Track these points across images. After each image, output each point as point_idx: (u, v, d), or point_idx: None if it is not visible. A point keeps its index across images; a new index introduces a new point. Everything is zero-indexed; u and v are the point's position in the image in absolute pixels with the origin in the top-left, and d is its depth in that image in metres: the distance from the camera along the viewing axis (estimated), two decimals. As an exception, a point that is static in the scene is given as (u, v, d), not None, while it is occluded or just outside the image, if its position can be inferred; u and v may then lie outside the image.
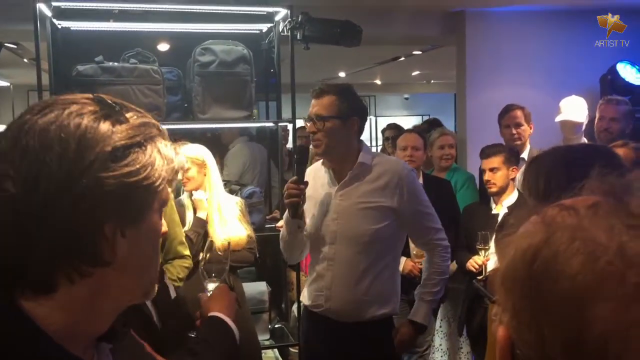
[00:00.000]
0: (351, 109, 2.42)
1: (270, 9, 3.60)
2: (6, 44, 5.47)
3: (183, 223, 2.98)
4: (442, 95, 13.36)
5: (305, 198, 2.39)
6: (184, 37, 3.69)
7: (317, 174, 2.54)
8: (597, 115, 4.04)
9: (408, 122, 10.20)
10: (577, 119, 4.08)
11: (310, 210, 2.47)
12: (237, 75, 3.38)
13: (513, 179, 3.39)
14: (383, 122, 9.13)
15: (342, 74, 10.56)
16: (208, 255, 1.78)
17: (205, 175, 3.04)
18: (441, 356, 3.86)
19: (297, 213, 2.39)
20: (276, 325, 3.75)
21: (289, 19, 3.41)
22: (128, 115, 0.79)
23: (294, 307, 3.71)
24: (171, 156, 0.81)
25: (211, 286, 1.70)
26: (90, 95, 0.80)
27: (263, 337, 3.47)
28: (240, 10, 3.61)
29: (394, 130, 5.26)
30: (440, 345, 3.86)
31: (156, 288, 0.86)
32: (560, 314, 0.53)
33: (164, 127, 0.84)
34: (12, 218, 0.72)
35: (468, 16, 5.09)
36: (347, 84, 2.53)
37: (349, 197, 2.43)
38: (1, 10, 4.28)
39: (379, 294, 2.43)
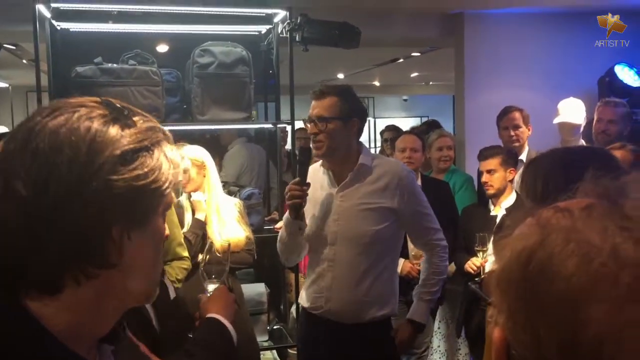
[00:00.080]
0: (352, 110, 2.42)
1: (269, 11, 3.60)
2: (5, 45, 5.45)
3: (182, 224, 2.97)
4: (441, 97, 13.38)
5: (306, 199, 2.39)
6: (183, 38, 3.69)
7: (315, 175, 2.54)
8: (595, 117, 4.03)
9: (407, 123, 10.18)
10: (575, 121, 4.08)
11: (309, 211, 2.46)
12: (236, 76, 3.38)
13: (511, 181, 3.39)
14: (382, 124, 9.12)
15: (340, 76, 10.56)
16: (208, 257, 1.78)
17: (204, 176, 3.03)
18: (439, 357, 3.86)
19: (299, 214, 2.39)
20: (275, 327, 3.74)
21: (288, 21, 3.41)
22: (135, 119, 0.80)
23: (293, 309, 3.71)
24: (177, 160, 0.82)
25: (211, 287, 1.71)
26: (98, 99, 0.80)
27: (262, 339, 3.48)
28: (239, 12, 3.62)
29: (392, 132, 5.27)
30: (439, 346, 3.86)
31: (158, 291, 0.86)
32: (555, 315, 0.53)
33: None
34: (23, 221, 0.72)
35: (466, 18, 5.09)
36: (347, 85, 2.53)
37: (350, 198, 2.43)
38: (0, 11, 4.28)
39: (379, 295, 2.43)
